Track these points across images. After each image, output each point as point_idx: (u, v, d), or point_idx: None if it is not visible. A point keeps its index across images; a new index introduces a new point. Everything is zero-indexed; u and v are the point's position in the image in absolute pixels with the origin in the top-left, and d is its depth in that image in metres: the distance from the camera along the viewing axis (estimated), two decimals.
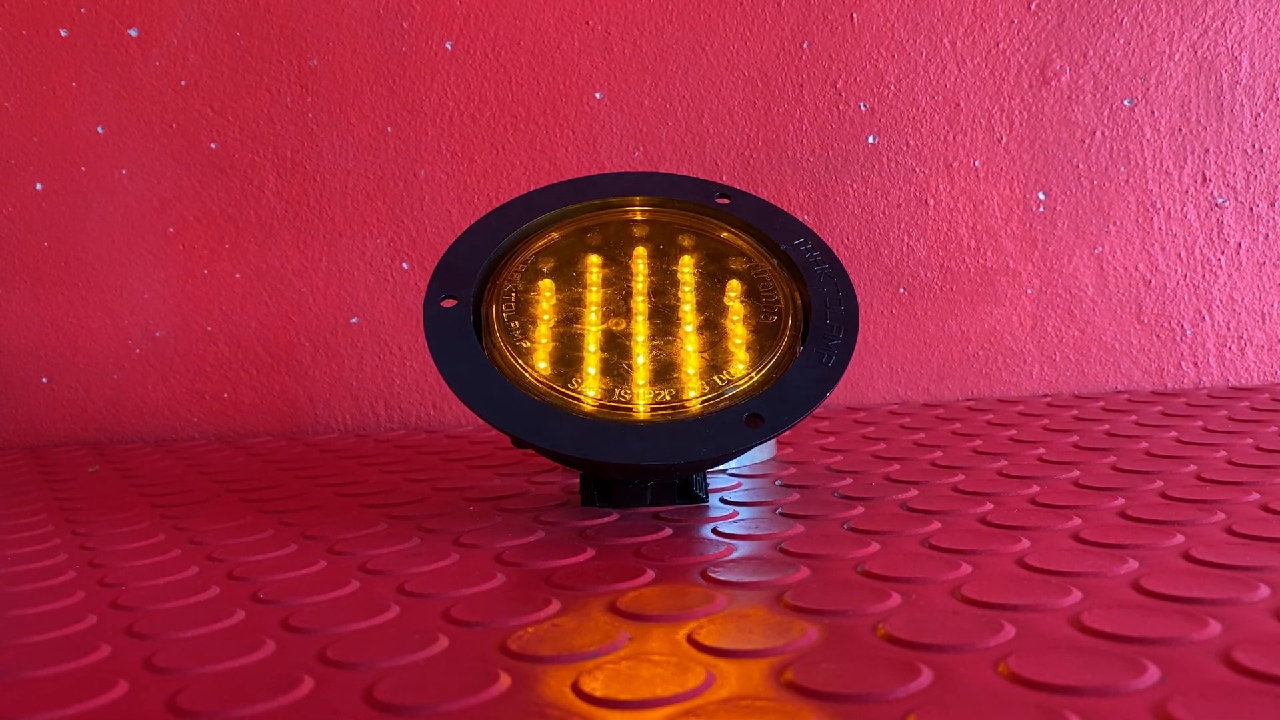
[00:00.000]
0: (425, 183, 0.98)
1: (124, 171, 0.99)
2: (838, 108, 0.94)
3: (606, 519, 0.56)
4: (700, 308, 0.58)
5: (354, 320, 1.00)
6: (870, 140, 0.94)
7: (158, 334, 1.01)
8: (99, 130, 0.99)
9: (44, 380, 1.02)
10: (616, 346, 0.57)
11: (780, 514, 0.55)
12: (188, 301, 1.01)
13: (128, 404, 1.02)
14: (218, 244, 1.00)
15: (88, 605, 0.45)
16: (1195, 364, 0.93)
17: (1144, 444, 0.69)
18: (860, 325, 0.95)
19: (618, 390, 0.54)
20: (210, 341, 1.01)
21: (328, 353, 1.00)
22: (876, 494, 0.58)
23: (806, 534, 0.50)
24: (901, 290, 0.94)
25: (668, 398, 0.54)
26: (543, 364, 0.56)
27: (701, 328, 0.58)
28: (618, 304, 0.59)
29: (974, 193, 0.93)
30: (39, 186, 1.00)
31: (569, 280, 0.60)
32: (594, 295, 0.59)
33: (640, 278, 0.60)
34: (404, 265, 0.99)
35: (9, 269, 1.01)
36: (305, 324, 1.00)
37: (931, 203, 0.94)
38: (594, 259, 0.61)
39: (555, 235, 0.62)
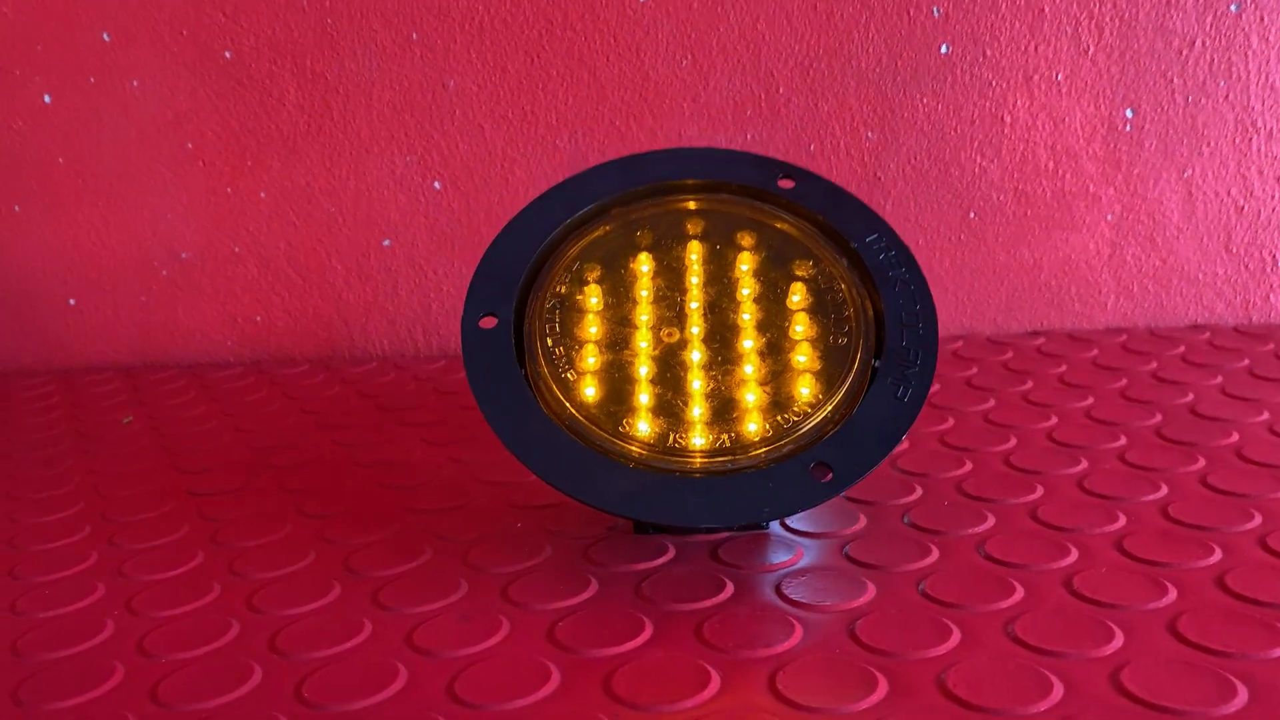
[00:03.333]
0: (455, 95, 0.91)
1: (135, 83, 0.93)
2: (908, 12, 0.85)
3: (662, 559, 0.53)
4: (762, 327, 0.53)
5: (386, 243, 0.95)
6: (943, 50, 0.85)
7: (184, 255, 0.97)
8: (105, 38, 0.92)
9: (71, 303, 0.99)
10: (671, 377, 0.52)
11: (848, 557, 0.52)
12: (212, 222, 0.96)
13: (158, 327, 0.99)
14: (239, 161, 0.94)
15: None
16: None
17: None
18: (926, 252, 0.89)
19: (672, 435, 0.50)
20: (239, 263, 0.97)
21: (361, 276, 0.96)
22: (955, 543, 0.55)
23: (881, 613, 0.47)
24: (971, 215, 0.88)
25: (727, 443, 0.50)
26: (590, 398, 0.51)
27: (764, 352, 0.53)
28: (670, 321, 0.54)
29: (1055, 109, 0.85)
30: (47, 99, 0.94)
31: (617, 291, 0.55)
32: (644, 311, 0.54)
33: (695, 289, 0.55)
34: (436, 185, 0.93)
35: (25, 187, 0.96)
36: (336, 245, 0.95)
37: (1008, 120, 0.86)
38: (644, 263, 0.55)
39: (601, 233, 0.56)
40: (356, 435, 0.74)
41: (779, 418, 0.51)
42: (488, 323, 0.53)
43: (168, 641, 0.48)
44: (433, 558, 0.54)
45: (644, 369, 0.53)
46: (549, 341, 0.53)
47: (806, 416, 0.50)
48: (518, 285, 0.54)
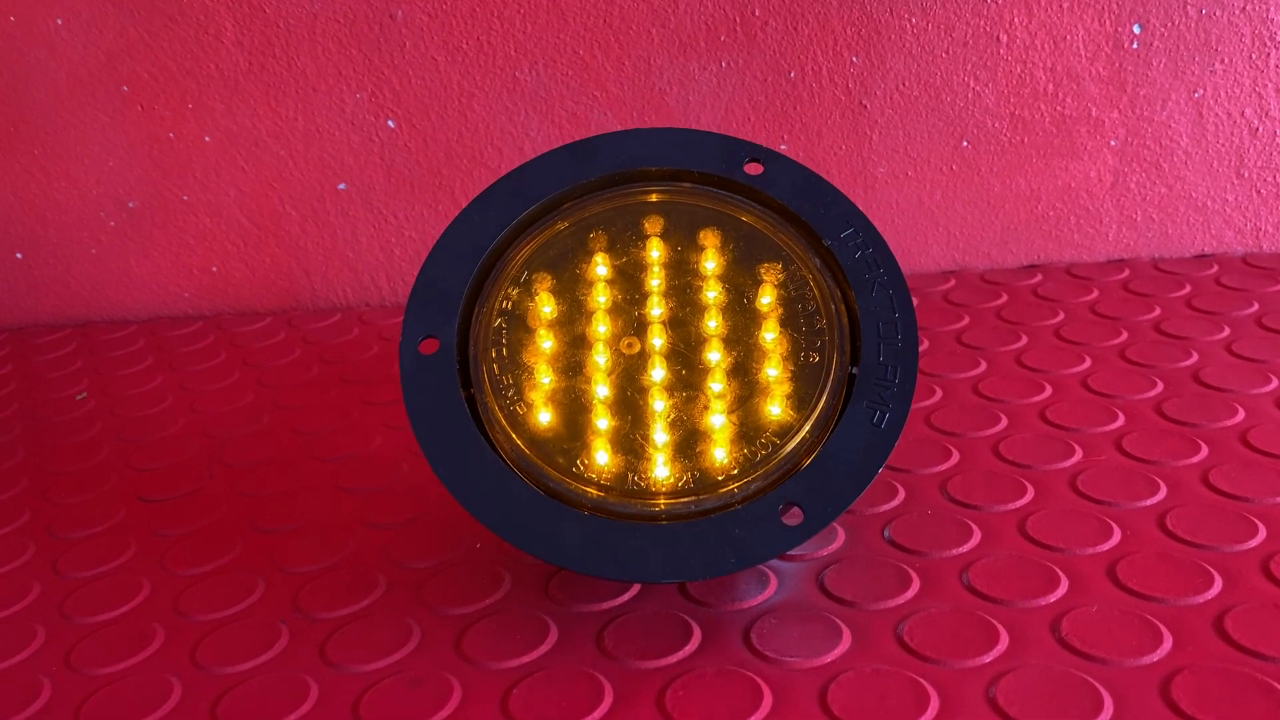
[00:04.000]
0: (404, 25, 0.83)
1: (59, 21, 0.86)
2: None
3: (625, 597, 0.50)
4: (729, 344, 0.49)
5: (341, 186, 0.89)
6: None
7: (130, 204, 0.91)
8: None
9: (18, 256, 0.94)
10: (631, 402, 0.48)
11: (824, 589, 0.48)
12: (156, 169, 0.90)
13: (111, 280, 0.94)
14: (179, 103, 0.88)
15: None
16: None
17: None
18: (916, 184, 0.84)
19: (631, 475, 0.46)
20: (189, 212, 0.91)
21: (317, 222, 0.91)
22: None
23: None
24: (965, 143, 0.82)
25: (690, 481, 0.46)
26: (542, 433, 0.47)
27: (731, 373, 0.48)
28: (630, 332, 0.49)
29: (1056, 26, 0.78)
30: None
31: (570, 303, 0.50)
32: (601, 322, 0.49)
33: (656, 295, 0.50)
34: (390, 124, 0.87)
35: None
36: (289, 191, 0.90)
37: (1004, 39, 0.79)
38: (599, 270, 0.51)
39: (550, 234, 0.51)
40: (316, 419, 0.70)
41: (746, 450, 0.47)
42: (428, 347, 0.49)
43: (104, 710, 0.45)
44: (385, 594, 0.51)
45: (601, 389, 0.48)
46: (495, 368, 0.48)
47: (775, 448, 0.46)
48: (460, 301, 0.50)
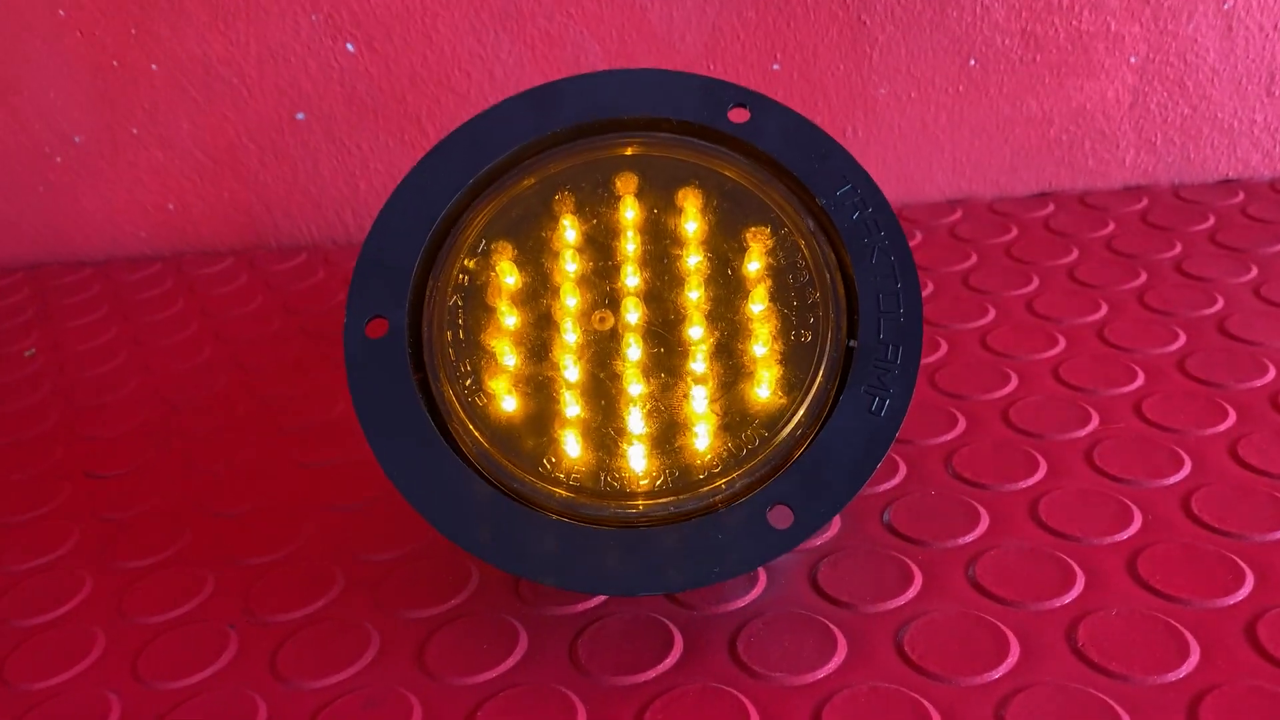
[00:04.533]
0: None
1: None
2: None
3: (599, 598, 0.46)
4: (712, 320, 0.44)
5: (300, 116, 0.83)
6: None
7: (77, 139, 0.85)
8: None
9: None
10: (604, 387, 0.43)
11: (817, 588, 0.44)
12: (102, 100, 0.84)
13: (64, 220, 0.89)
14: (121, 29, 0.81)
15: None
16: None
17: None
18: (920, 106, 0.77)
19: (604, 474, 0.42)
20: (140, 146, 0.85)
21: (276, 155, 0.84)
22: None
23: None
24: (972, 62, 0.75)
25: (670, 481, 0.42)
26: (505, 426, 0.43)
27: (715, 354, 0.43)
28: (602, 304, 0.44)
29: None
30: None
31: (534, 275, 0.45)
32: (570, 294, 0.44)
33: (630, 262, 0.45)
34: (349, 47, 0.80)
35: None
36: (244, 122, 0.83)
37: None
38: (566, 237, 0.45)
39: (510, 196, 0.46)
40: (276, 381, 0.66)
41: (730, 444, 0.42)
42: (376, 329, 0.44)
43: None
44: (342, 593, 0.47)
45: (571, 371, 0.44)
46: (452, 353, 0.43)
47: (763, 441, 0.42)
48: (411, 275, 0.45)
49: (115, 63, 0.82)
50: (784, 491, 0.41)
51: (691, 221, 0.45)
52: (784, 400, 0.42)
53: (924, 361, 0.58)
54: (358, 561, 0.49)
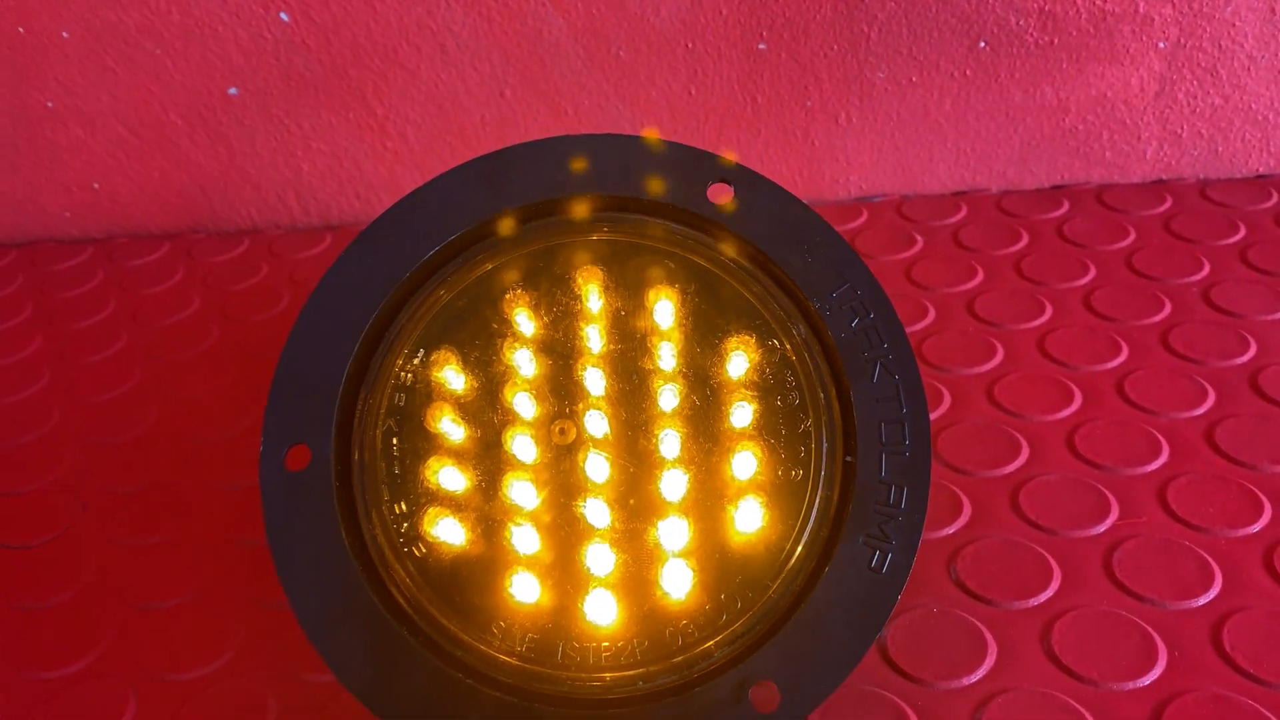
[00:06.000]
0: None
1: None
2: None
3: None
4: (687, 464, 0.38)
5: (233, 91, 0.74)
6: None
7: None
8: None
9: None
10: (558, 542, 0.37)
11: None
12: (9, 70, 0.75)
13: None
14: None
15: None
16: None
17: None
18: (922, 92, 0.69)
19: (563, 643, 0.36)
20: (56, 120, 0.77)
21: (209, 133, 0.76)
22: None
23: None
24: (982, 44, 0.67)
25: (637, 651, 0.36)
26: (447, 579, 0.37)
27: (690, 506, 0.37)
28: (558, 459, 0.38)
29: None
30: None
31: (480, 392, 0.39)
32: (524, 415, 0.38)
33: (591, 381, 0.39)
34: (283, 16, 0.71)
35: None
36: (170, 97, 0.75)
37: None
38: (516, 347, 0.39)
39: (453, 295, 0.39)
40: (211, 418, 0.59)
41: (708, 604, 0.36)
42: (297, 459, 0.38)
43: None
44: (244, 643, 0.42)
45: (527, 496, 0.38)
46: (385, 491, 0.37)
47: (747, 602, 0.36)
48: (338, 392, 0.38)
49: (21, 29, 0.73)
50: (769, 666, 0.35)
51: (664, 324, 0.39)
52: (771, 551, 0.37)
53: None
54: (296, 683, 0.44)
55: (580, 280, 0.39)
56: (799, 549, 0.36)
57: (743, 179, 0.39)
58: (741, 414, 0.38)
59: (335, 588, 0.36)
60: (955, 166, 0.71)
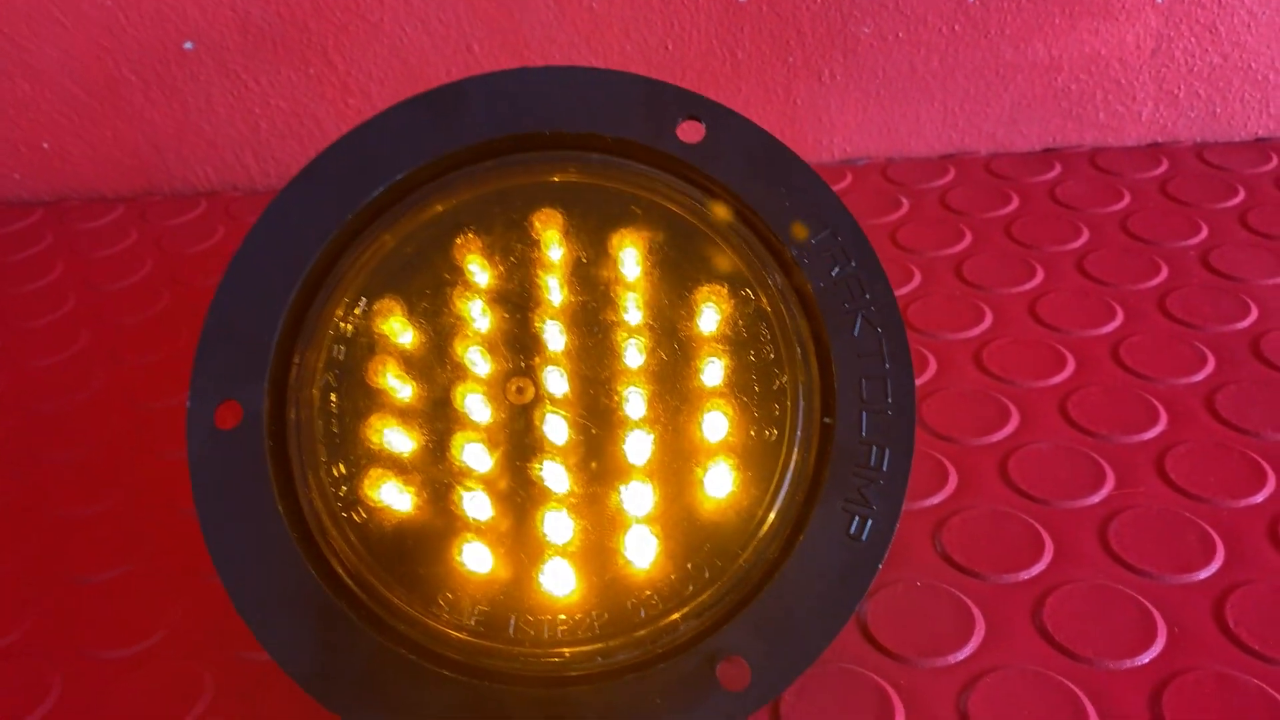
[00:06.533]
0: None
1: None
2: None
3: None
4: (653, 424, 0.35)
5: (188, 45, 0.71)
6: None
7: None
8: None
9: None
10: (512, 507, 0.34)
11: None
12: None
13: None
14: None
15: None
16: None
17: None
18: (909, 48, 0.66)
19: (516, 616, 0.33)
20: (2, 76, 0.73)
21: (164, 90, 0.73)
22: None
23: None
24: None
25: (595, 624, 0.33)
26: (391, 547, 0.34)
27: (656, 469, 0.35)
28: (514, 419, 0.35)
29: None
30: None
31: (430, 341, 0.35)
32: (478, 373, 0.35)
33: (551, 335, 0.36)
34: None
35: None
36: (123, 52, 0.71)
37: None
38: (471, 292, 0.36)
39: (399, 238, 0.36)
40: (156, 391, 0.56)
41: (674, 574, 0.34)
42: (227, 416, 0.35)
43: None
44: (210, 706, 0.39)
45: (481, 459, 0.35)
46: (323, 451, 0.34)
47: (716, 571, 0.33)
48: (271, 344, 0.35)
49: None
50: (739, 640, 0.33)
51: (629, 272, 0.36)
52: (742, 517, 0.34)
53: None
54: (234, 660, 0.41)
55: (539, 225, 0.36)
56: (772, 515, 0.33)
57: (715, 115, 0.36)
58: (712, 370, 0.35)
59: (268, 557, 0.33)
60: (943, 127, 0.68)
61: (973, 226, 0.61)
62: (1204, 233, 0.58)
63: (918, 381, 0.50)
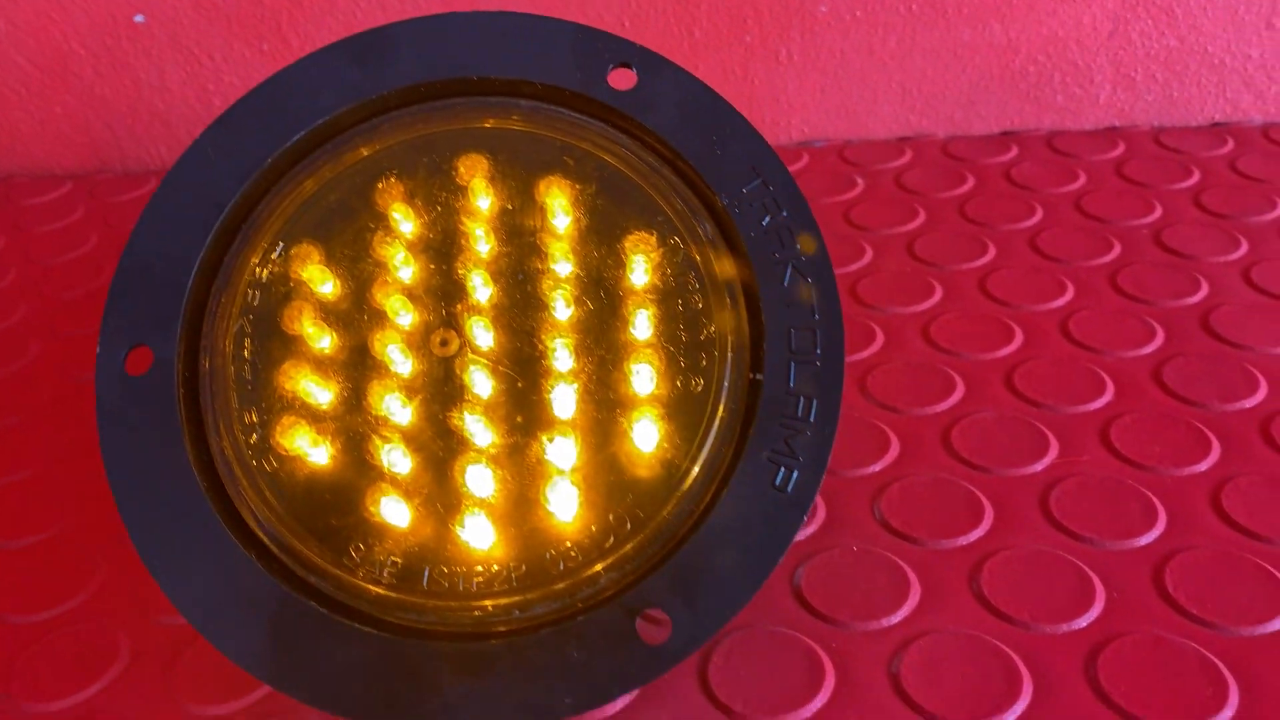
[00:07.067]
0: None
1: None
2: None
3: None
4: (578, 374, 0.34)
5: (139, 19, 0.70)
6: None
7: None
8: None
9: None
10: (435, 448, 0.33)
11: (706, 688, 0.36)
12: None
13: None
14: None
15: None
16: None
17: None
18: (866, 28, 0.66)
19: (430, 567, 0.32)
20: None
21: (114, 64, 0.71)
22: None
23: None
24: None
25: (513, 577, 0.32)
26: (303, 498, 0.33)
27: (580, 405, 0.34)
28: (436, 370, 0.34)
29: None
30: None
31: (349, 289, 0.34)
32: (399, 323, 0.34)
33: (475, 285, 0.35)
34: None
35: None
36: (72, 24, 0.70)
37: None
38: (393, 240, 0.35)
39: (319, 182, 0.35)
40: (92, 358, 0.54)
41: (595, 525, 0.33)
42: (138, 362, 0.33)
43: None
44: (126, 670, 0.38)
45: (401, 414, 0.34)
46: (235, 398, 0.33)
47: (638, 523, 0.32)
48: (186, 289, 0.34)
49: None
50: (660, 593, 0.32)
51: (557, 220, 0.35)
52: (666, 469, 0.33)
53: (852, 359, 0.49)
54: (152, 625, 0.40)
55: (464, 171, 0.35)
56: (697, 467, 0.33)
57: (647, 63, 0.36)
58: (639, 320, 0.34)
59: (176, 507, 0.32)
60: (901, 109, 0.67)
61: (927, 206, 0.60)
62: (1158, 212, 0.57)
63: (863, 355, 0.49)
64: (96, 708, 0.37)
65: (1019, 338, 0.49)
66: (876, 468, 0.43)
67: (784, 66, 0.67)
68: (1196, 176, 0.61)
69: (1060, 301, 0.51)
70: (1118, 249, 0.55)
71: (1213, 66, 0.65)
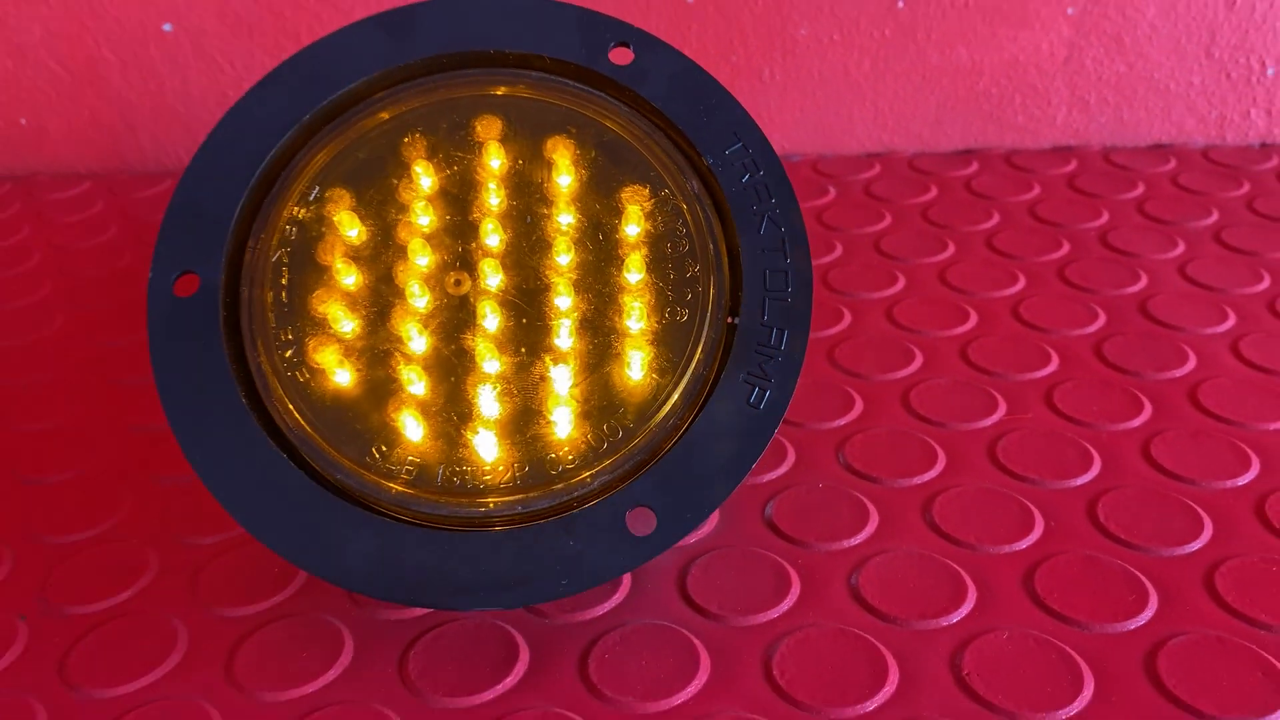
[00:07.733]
0: None
1: None
2: None
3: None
4: (579, 291, 0.38)
5: (167, 28, 0.75)
6: None
7: None
8: None
9: None
10: (449, 369, 0.38)
11: (686, 597, 0.40)
12: None
13: None
14: None
15: None
16: (1269, 112, 0.71)
17: None
18: (843, 51, 0.72)
19: (444, 467, 0.37)
20: None
21: (141, 70, 0.76)
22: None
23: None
24: (900, 4, 0.69)
25: (519, 477, 0.36)
26: (330, 405, 0.37)
27: (579, 330, 0.38)
28: (458, 265, 0.39)
29: None
30: None
31: (376, 230, 0.39)
32: (418, 263, 0.39)
33: (489, 223, 0.39)
34: None
35: None
36: (105, 31, 0.75)
37: None
38: (417, 186, 0.39)
39: (352, 136, 0.40)
40: (116, 325, 0.59)
41: (590, 435, 0.37)
42: (186, 286, 0.38)
43: None
44: (155, 579, 0.42)
45: (417, 342, 0.38)
46: (273, 319, 0.37)
47: (627, 433, 0.37)
48: (230, 225, 0.38)
49: None
50: (646, 493, 0.36)
51: (562, 176, 0.40)
52: (653, 387, 0.37)
53: (824, 334, 0.54)
54: (177, 545, 0.44)
55: (480, 130, 0.40)
56: (681, 386, 0.37)
57: (642, 42, 0.41)
58: (633, 262, 0.38)
59: (218, 412, 0.36)
60: (873, 127, 0.73)
61: (893, 211, 0.65)
62: (1104, 217, 0.63)
63: (833, 331, 0.54)
64: (131, 609, 0.40)
65: (973, 318, 0.54)
66: (842, 422, 0.47)
67: (766, 85, 0.72)
68: (1141, 189, 0.66)
69: (1013, 290, 0.56)
70: (1066, 247, 0.60)
71: (1158, 91, 0.71)
